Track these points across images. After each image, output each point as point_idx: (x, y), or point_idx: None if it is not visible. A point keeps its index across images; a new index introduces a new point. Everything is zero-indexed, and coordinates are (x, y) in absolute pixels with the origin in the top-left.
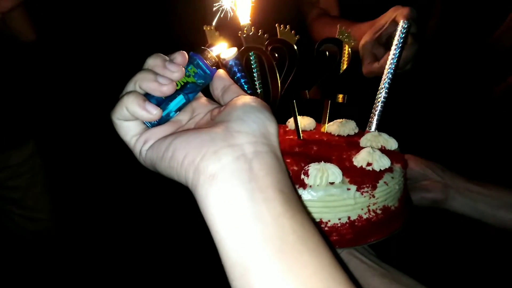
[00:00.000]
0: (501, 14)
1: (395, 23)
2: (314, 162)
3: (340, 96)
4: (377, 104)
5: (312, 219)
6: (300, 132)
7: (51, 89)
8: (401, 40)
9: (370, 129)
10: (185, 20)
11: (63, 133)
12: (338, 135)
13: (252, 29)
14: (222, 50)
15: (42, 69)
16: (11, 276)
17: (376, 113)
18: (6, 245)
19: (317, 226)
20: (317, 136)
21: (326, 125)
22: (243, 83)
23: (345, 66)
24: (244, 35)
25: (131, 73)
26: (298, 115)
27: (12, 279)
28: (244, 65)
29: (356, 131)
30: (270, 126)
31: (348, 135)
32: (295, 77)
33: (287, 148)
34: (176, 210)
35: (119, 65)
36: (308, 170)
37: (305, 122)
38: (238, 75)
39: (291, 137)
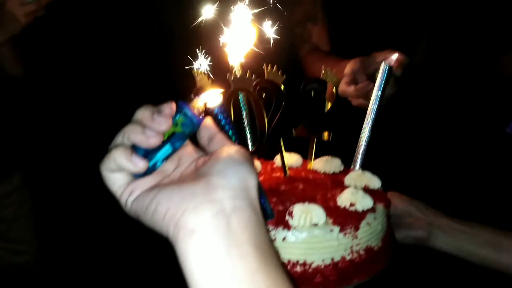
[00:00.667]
0: (489, 45)
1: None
2: (299, 201)
3: (326, 133)
4: (361, 143)
5: (287, 273)
6: (287, 169)
7: (38, 122)
8: (383, 82)
9: (355, 167)
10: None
11: (51, 165)
12: (324, 173)
13: (240, 71)
14: (208, 97)
15: (29, 103)
16: None
17: (360, 151)
18: None
19: (293, 281)
20: (303, 173)
21: (312, 162)
22: (228, 130)
23: (329, 105)
24: (232, 78)
25: (118, 108)
26: (286, 151)
27: None
28: (232, 106)
29: (341, 168)
30: (250, 180)
31: (334, 173)
32: (282, 116)
33: (273, 186)
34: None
35: (108, 99)
36: (292, 211)
37: (292, 159)
38: (223, 122)
39: (278, 174)
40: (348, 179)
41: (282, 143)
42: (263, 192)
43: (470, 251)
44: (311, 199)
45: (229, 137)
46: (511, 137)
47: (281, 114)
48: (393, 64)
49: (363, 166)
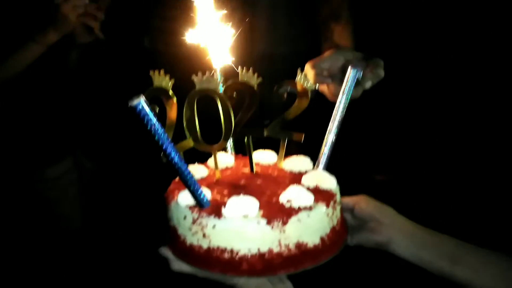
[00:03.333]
0: None
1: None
2: (247, 195)
3: (298, 134)
4: (325, 144)
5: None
6: (254, 166)
7: (90, 109)
8: (349, 87)
9: (318, 167)
10: None
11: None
12: (291, 171)
13: (206, 72)
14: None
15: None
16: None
17: (324, 152)
18: (38, 241)
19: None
20: (270, 170)
21: (282, 160)
22: (152, 124)
23: (302, 107)
24: (196, 78)
25: None
26: (266, 149)
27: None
28: (196, 105)
29: (309, 168)
30: None
31: (300, 172)
32: (253, 116)
33: (234, 180)
34: None
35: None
36: (227, 201)
37: (265, 157)
38: (146, 118)
39: (247, 170)
40: (304, 178)
41: (250, 141)
42: (198, 186)
43: (428, 261)
44: (259, 194)
45: (156, 133)
46: None
47: (252, 114)
48: (366, 73)
49: (334, 167)
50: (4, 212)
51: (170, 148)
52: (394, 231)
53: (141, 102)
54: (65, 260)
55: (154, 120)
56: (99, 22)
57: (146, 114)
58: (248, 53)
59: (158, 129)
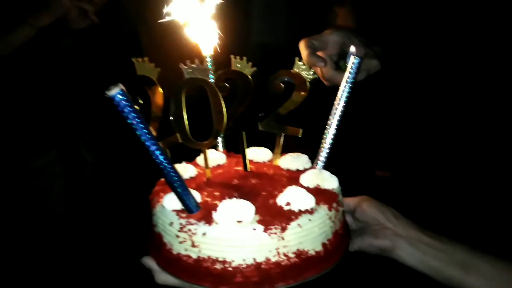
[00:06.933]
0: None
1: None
2: (242, 197)
3: (296, 129)
4: (325, 140)
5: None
6: (248, 164)
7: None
8: (352, 76)
9: (317, 165)
10: None
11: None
12: (288, 169)
13: (196, 61)
14: (110, 88)
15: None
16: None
17: (324, 149)
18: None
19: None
20: (265, 168)
21: (278, 157)
22: (133, 117)
23: (301, 99)
24: (185, 67)
25: None
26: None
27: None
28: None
29: (307, 166)
30: None
31: (297, 170)
32: (247, 108)
33: (226, 180)
34: None
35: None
36: (218, 206)
37: (259, 154)
38: (126, 110)
39: (240, 168)
40: (303, 177)
41: (244, 137)
42: (186, 188)
43: (436, 268)
44: (253, 195)
45: (135, 124)
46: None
47: (246, 106)
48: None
49: (329, 164)
50: None
51: (152, 145)
52: (399, 235)
53: (119, 92)
54: (46, 252)
55: (135, 112)
56: (94, 6)
57: (125, 105)
58: (243, 40)
59: (139, 123)
